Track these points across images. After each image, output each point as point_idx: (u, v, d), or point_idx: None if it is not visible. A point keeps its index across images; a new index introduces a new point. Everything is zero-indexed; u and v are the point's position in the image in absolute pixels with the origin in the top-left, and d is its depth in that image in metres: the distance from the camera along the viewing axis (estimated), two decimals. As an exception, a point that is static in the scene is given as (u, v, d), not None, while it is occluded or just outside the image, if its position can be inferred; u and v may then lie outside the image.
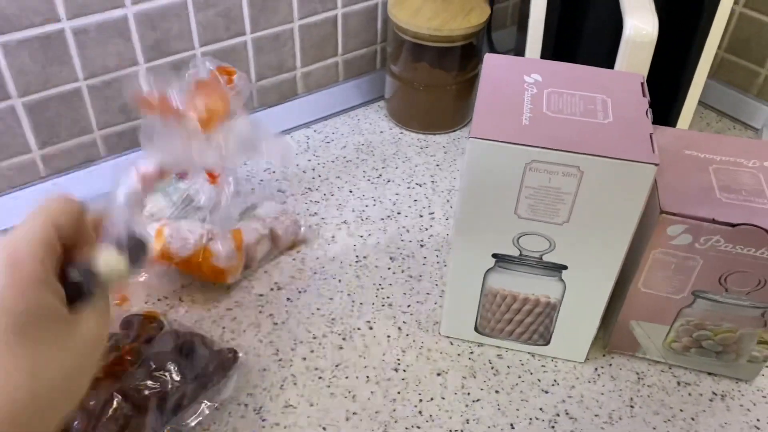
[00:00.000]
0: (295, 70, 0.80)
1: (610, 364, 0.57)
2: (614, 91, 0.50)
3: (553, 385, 0.55)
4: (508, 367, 0.57)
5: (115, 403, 0.46)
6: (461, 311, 0.56)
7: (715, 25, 0.67)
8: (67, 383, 0.31)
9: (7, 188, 0.66)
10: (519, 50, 0.77)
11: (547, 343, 0.56)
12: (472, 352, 0.58)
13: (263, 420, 0.52)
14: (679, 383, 0.56)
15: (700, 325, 0.53)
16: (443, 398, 0.54)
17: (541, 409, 0.53)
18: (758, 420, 0.54)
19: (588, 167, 0.44)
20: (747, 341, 0.53)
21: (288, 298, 0.61)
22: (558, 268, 0.51)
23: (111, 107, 0.68)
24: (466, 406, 0.53)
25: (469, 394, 0.54)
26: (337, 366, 0.56)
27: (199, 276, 0.60)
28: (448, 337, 0.58)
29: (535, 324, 0.55)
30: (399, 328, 0.59)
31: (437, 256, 0.66)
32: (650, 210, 0.49)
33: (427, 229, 0.69)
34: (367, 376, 0.55)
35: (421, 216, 0.71)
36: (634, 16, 0.59)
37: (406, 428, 0.52)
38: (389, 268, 0.65)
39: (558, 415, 0.53)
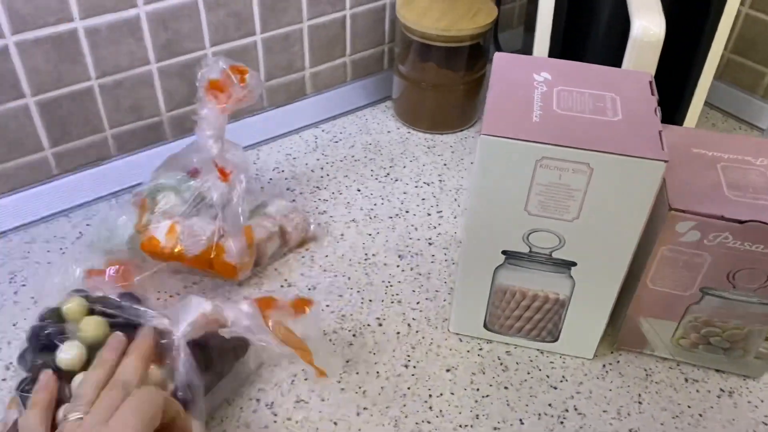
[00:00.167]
0: (303, 71, 0.80)
1: (618, 361, 0.58)
2: (623, 90, 0.50)
3: (561, 381, 0.56)
4: (517, 363, 0.57)
5: None
6: (471, 308, 0.56)
7: (722, 26, 0.67)
8: None
9: (20, 186, 0.67)
10: (526, 50, 0.77)
11: (556, 339, 0.57)
12: (481, 349, 0.58)
13: (275, 415, 0.52)
14: (686, 380, 0.56)
15: (708, 321, 0.54)
16: (453, 394, 0.54)
17: (549, 405, 0.54)
18: (766, 416, 0.54)
19: (598, 164, 0.45)
20: (755, 338, 0.54)
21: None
22: (567, 265, 0.51)
23: (122, 106, 0.69)
24: (476, 401, 0.54)
25: (478, 390, 0.55)
26: (348, 362, 0.56)
27: (210, 273, 0.60)
28: (457, 333, 0.59)
29: (544, 321, 0.56)
30: (408, 325, 0.60)
31: (445, 254, 0.67)
32: (659, 207, 0.49)
33: (435, 228, 0.70)
34: (378, 372, 0.55)
35: (429, 214, 0.71)
36: (642, 17, 0.60)
37: (416, 423, 0.52)
38: (398, 266, 0.65)
39: (567, 411, 0.54)
